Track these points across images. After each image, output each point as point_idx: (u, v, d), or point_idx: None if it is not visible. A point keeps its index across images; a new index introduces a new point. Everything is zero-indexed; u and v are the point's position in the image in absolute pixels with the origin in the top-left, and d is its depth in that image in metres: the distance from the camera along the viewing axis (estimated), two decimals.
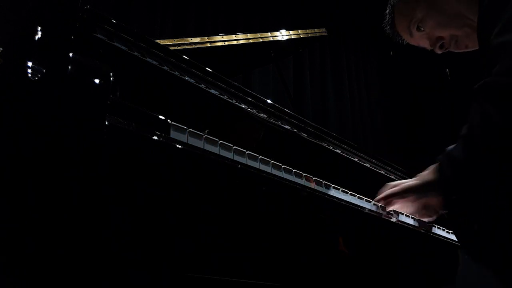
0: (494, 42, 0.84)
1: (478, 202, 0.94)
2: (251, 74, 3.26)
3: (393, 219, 1.16)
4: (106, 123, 0.66)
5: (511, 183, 0.87)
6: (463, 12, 1.05)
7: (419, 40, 1.15)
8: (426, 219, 1.31)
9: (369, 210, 1.11)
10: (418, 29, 1.12)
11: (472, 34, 1.06)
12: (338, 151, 1.45)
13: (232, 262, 0.91)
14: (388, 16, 1.19)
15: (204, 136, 0.80)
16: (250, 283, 0.97)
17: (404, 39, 1.20)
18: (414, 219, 1.26)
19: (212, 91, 1.08)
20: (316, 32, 2.13)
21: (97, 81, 0.70)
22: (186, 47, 1.56)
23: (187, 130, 0.78)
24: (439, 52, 1.14)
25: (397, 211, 1.20)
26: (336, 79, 4.07)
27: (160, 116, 0.75)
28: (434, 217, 1.32)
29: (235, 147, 0.85)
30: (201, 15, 3.23)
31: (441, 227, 1.33)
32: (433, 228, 1.31)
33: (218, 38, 1.73)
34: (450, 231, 1.39)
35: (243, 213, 0.88)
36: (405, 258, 1.34)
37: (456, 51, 1.13)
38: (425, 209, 1.28)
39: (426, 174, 1.05)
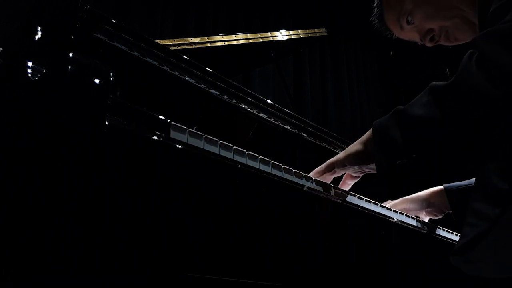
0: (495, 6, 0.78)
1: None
2: (251, 74, 3.27)
3: (395, 220, 1.16)
4: (106, 123, 0.66)
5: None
6: (453, 3, 1.02)
7: (409, 33, 1.11)
8: (432, 217, 1.31)
9: (369, 210, 1.10)
10: (407, 22, 1.08)
11: (462, 25, 1.03)
12: (338, 151, 1.45)
13: (232, 262, 0.91)
14: (376, 9, 1.16)
15: (204, 136, 0.80)
16: (250, 283, 0.97)
17: (393, 33, 1.16)
18: (414, 219, 1.26)
19: (212, 91, 1.09)
20: (316, 32, 2.13)
21: (97, 81, 0.70)
22: (186, 47, 1.56)
23: (187, 130, 0.78)
24: (429, 45, 1.10)
25: (400, 212, 1.20)
26: (336, 79, 4.08)
27: (160, 116, 0.75)
28: (440, 216, 1.31)
29: (235, 147, 0.85)
30: (201, 15, 3.23)
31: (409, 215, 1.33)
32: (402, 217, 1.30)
33: (218, 38, 1.74)
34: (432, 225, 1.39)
35: (244, 213, 0.88)
36: (407, 258, 1.34)
37: (446, 44, 1.09)
38: (429, 207, 1.28)
39: (352, 146, 0.97)
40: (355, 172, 1.03)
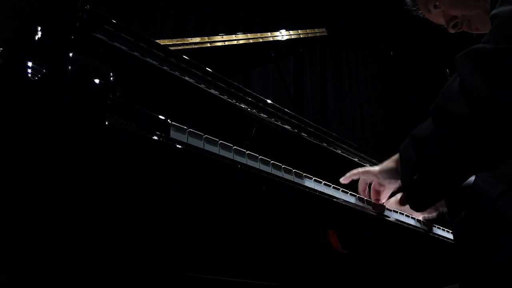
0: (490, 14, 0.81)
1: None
2: (251, 74, 3.26)
3: (391, 219, 1.16)
4: (106, 123, 0.66)
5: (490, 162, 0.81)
6: None
7: (436, 17, 1.18)
8: (427, 215, 1.32)
9: (371, 210, 1.11)
10: (435, 6, 1.15)
11: (484, 16, 1.07)
12: (338, 151, 1.45)
13: (232, 262, 0.91)
14: None
15: (204, 136, 0.80)
16: (250, 283, 0.97)
17: (423, 14, 1.23)
18: (414, 219, 1.26)
19: (212, 91, 1.09)
20: (316, 32, 2.13)
21: (97, 81, 0.70)
22: (186, 47, 1.56)
23: (187, 130, 0.78)
24: (451, 31, 1.16)
25: (394, 210, 1.20)
26: (336, 79, 4.07)
27: (160, 116, 0.75)
28: (434, 214, 1.32)
29: (235, 147, 0.85)
30: (201, 15, 3.22)
31: (410, 215, 1.33)
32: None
33: (218, 38, 1.73)
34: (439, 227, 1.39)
35: (244, 213, 0.88)
36: (406, 258, 1.34)
37: (468, 31, 1.15)
38: None
39: (387, 162, 1.08)
40: (387, 184, 1.13)
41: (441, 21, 1.17)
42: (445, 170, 0.83)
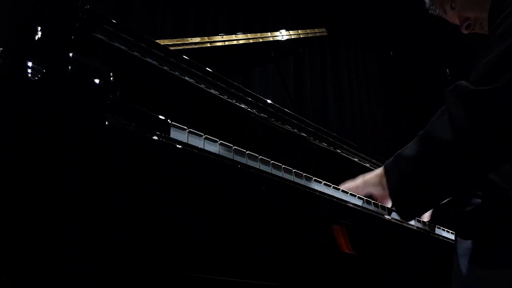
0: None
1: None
2: (251, 74, 3.26)
3: (393, 219, 1.16)
4: (106, 123, 0.66)
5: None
6: None
7: (452, 17, 1.21)
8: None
9: (371, 210, 1.11)
10: (451, 7, 1.19)
11: None
12: (338, 151, 1.45)
13: (232, 262, 0.91)
14: None
15: (204, 136, 0.80)
16: (250, 283, 0.97)
17: (440, 14, 1.27)
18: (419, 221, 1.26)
19: (212, 91, 1.09)
20: (316, 32, 2.13)
21: (97, 81, 0.70)
22: (186, 47, 1.56)
23: (187, 130, 0.78)
24: (465, 32, 1.20)
25: (393, 210, 1.20)
26: (336, 79, 4.07)
27: (160, 116, 0.75)
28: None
29: (235, 147, 0.85)
30: (201, 15, 3.22)
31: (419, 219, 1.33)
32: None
33: (218, 38, 1.73)
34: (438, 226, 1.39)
35: (244, 213, 0.88)
36: (405, 258, 1.34)
37: (481, 32, 1.18)
38: None
39: (371, 176, 1.13)
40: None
41: (456, 21, 1.21)
42: (428, 187, 0.95)
